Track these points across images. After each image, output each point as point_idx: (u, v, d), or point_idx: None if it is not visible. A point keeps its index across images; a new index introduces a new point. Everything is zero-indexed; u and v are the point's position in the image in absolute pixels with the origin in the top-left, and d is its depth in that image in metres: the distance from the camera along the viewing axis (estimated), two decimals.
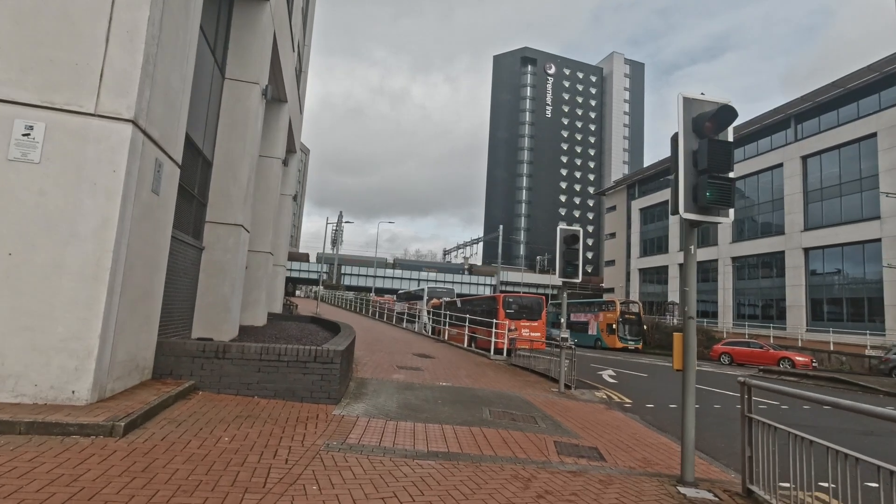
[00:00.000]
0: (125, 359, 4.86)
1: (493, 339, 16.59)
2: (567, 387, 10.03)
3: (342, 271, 79.93)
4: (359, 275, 77.93)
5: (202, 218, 9.80)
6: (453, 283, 69.03)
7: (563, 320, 9.67)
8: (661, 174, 52.15)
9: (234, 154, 10.20)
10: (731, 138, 4.26)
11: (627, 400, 10.10)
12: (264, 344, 5.86)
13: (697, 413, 9.31)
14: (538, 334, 21.90)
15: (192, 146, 8.73)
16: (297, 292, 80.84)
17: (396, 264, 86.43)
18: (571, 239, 9.43)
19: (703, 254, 43.67)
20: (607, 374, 15.17)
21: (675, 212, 4.23)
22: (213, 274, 9.84)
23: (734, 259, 40.37)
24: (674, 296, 46.51)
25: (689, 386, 4.20)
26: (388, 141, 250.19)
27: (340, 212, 72.26)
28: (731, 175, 4.15)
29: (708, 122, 4.13)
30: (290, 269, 74.87)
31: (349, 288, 73.01)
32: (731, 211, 4.25)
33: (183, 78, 5.65)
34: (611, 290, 60.46)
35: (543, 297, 23.08)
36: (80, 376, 4.21)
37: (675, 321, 41.82)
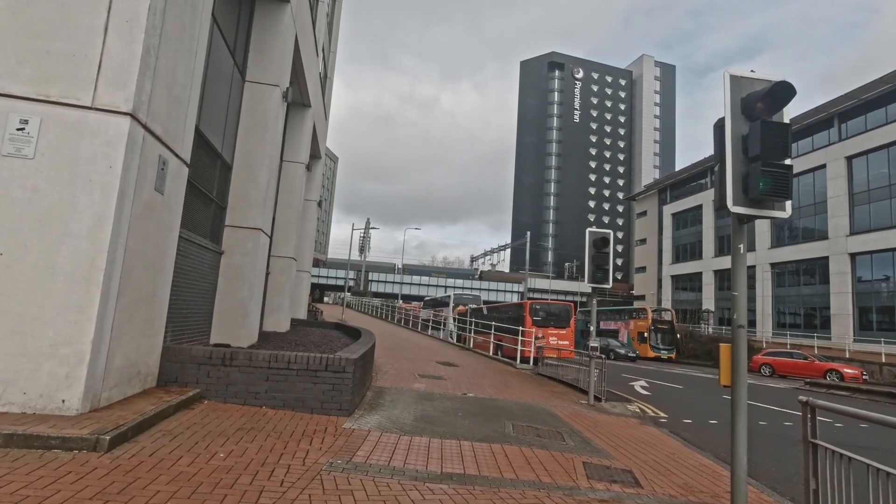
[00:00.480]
0: (123, 365, 4.60)
1: (518, 348, 16.05)
2: (597, 399, 9.44)
3: (369, 278, 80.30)
4: (386, 281, 78.16)
5: (221, 221, 9.65)
6: (479, 290, 68.36)
7: (592, 328, 9.11)
8: (695, 178, 50.55)
9: (254, 156, 10.04)
10: (787, 120, 3.73)
11: (662, 414, 9.43)
12: (273, 351, 5.55)
13: None
14: (566, 342, 21.20)
15: (210, 148, 8.59)
16: (326, 299, 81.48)
17: (405, 270, 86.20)
18: (601, 242, 8.89)
19: None
20: (639, 386, 14.42)
21: (722, 206, 3.71)
22: (231, 278, 9.66)
23: (773, 265, 38.61)
24: (708, 303, 44.84)
25: (739, 404, 3.66)
26: (418, 148, 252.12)
27: (367, 219, 72.61)
28: (788, 162, 3.60)
29: (760, 101, 3.61)
30: (318, 276, 75.63)
31: (376, 294, 73.21)
32: (788, 204, 3.70)
33: (190, 72, 5.42)
34: (641, 298, 58.82)
35: (572, 305, 22.37)
36: (71, 384, 3.95)
37: (710, 330, 40.24)
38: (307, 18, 13.37)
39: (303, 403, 5.44)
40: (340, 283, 79.36)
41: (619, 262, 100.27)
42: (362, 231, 79.51)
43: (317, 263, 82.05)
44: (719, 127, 3.96)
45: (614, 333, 36.07)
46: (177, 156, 5.37)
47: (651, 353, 32.70)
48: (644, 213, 61.60)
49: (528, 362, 16.13)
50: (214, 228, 9.25)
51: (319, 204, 22.96)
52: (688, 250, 49.96)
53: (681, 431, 7.89)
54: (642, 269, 61.18)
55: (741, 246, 3.76)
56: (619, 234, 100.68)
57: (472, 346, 21.02)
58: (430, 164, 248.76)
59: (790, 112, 3.82)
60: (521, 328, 17.45)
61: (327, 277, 74.57)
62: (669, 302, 50.35)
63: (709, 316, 41.94)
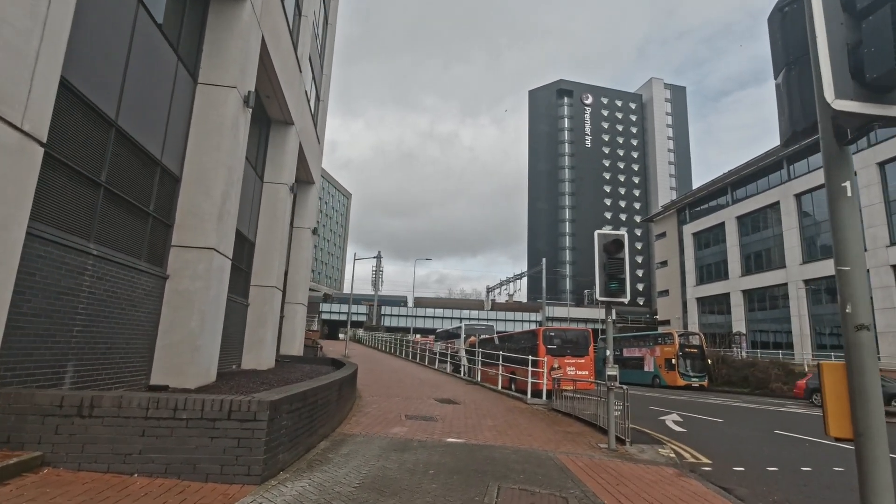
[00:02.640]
0: None
1: (528, 379, 14.21)
2: (620, 441, 7.60)
3: (382, 312, 78.69)
4: (398, 315, 76.52)
5: (165, 241, 8.28)
6: (495, 320, 66.11)
7: (608, 353, 7.37)
8: (714, 195, 48.50)
9: (207, 166, 8.74)
10: None
11: (705, 459, 7.50)
12: (155, 395, 3.98)
13: (813, 480, 6.62)
14: (585, 372, 19.17)
15: (145, 154, 7.30)
16: (340, 335, 79.82)
17: (418, 303, 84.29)
18: (614, 246, 7.26)
19: (769, 278, 39.47)
20: (672, 420, 12.39)
21: (805, 120, 2.14)
22: (178, 306, 8.21)
23: (807, 282, 36.03)
24: (739, 325, 42.05)
25: (878, 476, 1.96)
26: (438, 183, 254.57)
27: (378, 252, 71.61)
28: None
29: None
30: (331, 311, 74.34)
31: (389, 329, 71.41)
32: None
33: (34, 15, 4.07)
34: (666, 323, 55.95)
35: (590, 331, 20.41)
36: None
37: (744, 354, 37.43)
38: (281, 26, 12.34)
39: (194, 468, 3.84)
40: (357, 318, 77.87)
41: (640, 286, 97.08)
42: (374, 266, 78.46)
43: (325, 298, 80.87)
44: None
45: (639, 361, 33.61)
46: (12, 126, 3.96)
47: (681, 382, 30.13)
48: (663, 235, 59.38)
49: (541, 396, 14.24)
50: (154, 248, 7.87)
51: (315, 232, 21.71)
52: (712, 271, 47.46)
53: (733, 485, 6.01)
54: (665, 293, 58.50)
55: (847, 184, 2.11)
56: (639, 259, 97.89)
57: (480, 379, 19.11)
58: (450, 199, 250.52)
59: None
60: (532, 358, 15.60)
61: (339, 313, 73.17)
62: (696, 326, 47.58)
63: (741, 339, 39.13)
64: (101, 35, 6.07)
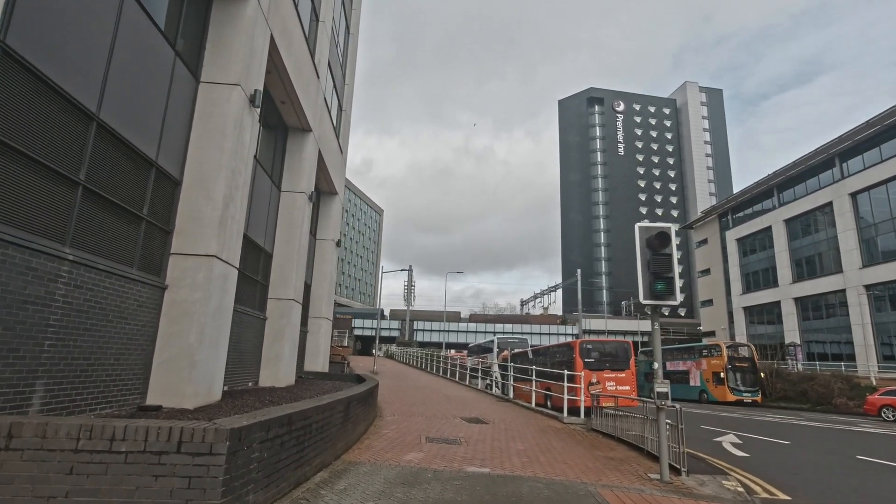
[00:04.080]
0: None
1: (564, 396, 13.05)
2: (674, 470, 6.44)
3: (415, 327, 78.02)
4: (431, 330, 75.72)
5: (163, 248, 7.69)
6: (529, 333, 64.36)
7: (656, 366, 6.26)
8: (759, 198, 45.95)
9: (208, 168, 8.17)
10: None
11: (782, 496, 6.20)
12: (88, 422, 3.19)
13: None
14: (627, 388, 17.79)
15: (136, 154, 6.74)
16: (375, 352, 79.70)
17: (449, 318, 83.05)
18: (658, 240, 6.20)
19: (824, 284, 36.76)
20: (729, 443, 10.97)
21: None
22: (175, 319, 7.58)
23: (868, 287, 33.27)
24: (792, 336, 39.25)
25: None
26: (474, 198, 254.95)
27: (409, 266, 71.13)
28: None
29: None
30: (363, 327, 74.17)
31: (422, 344, 70.56)
32: None
33: None
34: (711, 334, 53.09)
35: (630, 343, 19.01)
36: None
37: (800, 366, 34.76)
38: (292, 26, 11.86)
39: None
40: (390, 333, 77.50)
41: (682, 297, 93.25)
42: (405, 280, 78.05)
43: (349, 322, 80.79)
44: None
45: (683, 375, 31.57)
46: None
47: (731, 397, 28.01)
48: (704, 242, 56.72)
49: (579, 413, 13.04)
50: (149, 256, 7.27)
51: (338, 244, 21.19)
52: (760, 278, 44.74)
53: None
54: (709, 303, 55.65)
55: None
56: (679, 268, 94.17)
57: (513, 395, 17.96)
58: (485, 213, 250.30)
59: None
60: (569, 372, 14.42)
61: (371, 328, 72.87)
62: (744, 337, 44.81)
63: (795, 350, 36.41)
64: (73, 18, 5.51)
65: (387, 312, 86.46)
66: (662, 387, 6.12)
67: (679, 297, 6.20)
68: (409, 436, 8.28)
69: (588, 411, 12.82)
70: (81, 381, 5.87)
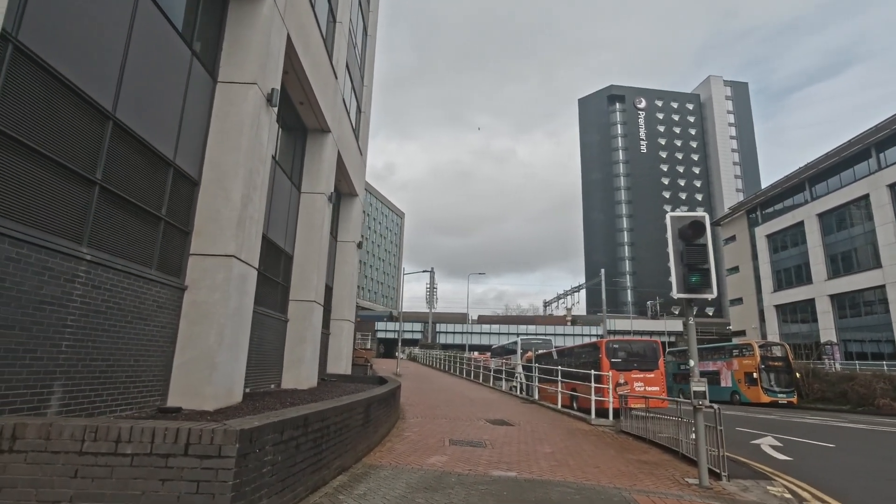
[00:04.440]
0: None
1: (592, 397, 12.66)
2: (714, 474, 6.06)
3: (437, 329, 77.90)
4: (453, 332, 75.52)
5: (183, 249, 7.65)
6: (553, 334, 63.56)
7: (692, 363, 5.89)
8: (789, 193, 44.47)
9: (226, 167, 8.11)
10: None
11: (834, 502, 5.79)
12: (94, 423, 3.04)
13: None
14: (656, 388, 17.25)
15: (153, 153, 6.70)
16: (399, 354, 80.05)
17: (472, 319, 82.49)
18: (692, 230, 5.85)
19: (862, 280, 35.32)
20: (769, 445, 10.44)
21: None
22: (195, 320, 7.52)
23: None
24: (828, 334, 37.79)
25: None
26: (495, 200, 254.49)
27: (432, 268, 71.14)
28: None
29: None
30: (386, 330, 74.38)
31: (445, 346, 70.38)
32: None
33: None
34: (741, 333, 51.55)
35: (659, 342, 18.46)
36: None
37: (837, 366, 33.40)
38: (309, 26, 11.81)
39: None
40: (413, 336, 77.59)
41: (710, 296, 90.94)
42: (428, 283, 78.03)
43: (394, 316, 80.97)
44: None
45: (714, 376, 30.62)
46: None
47: (765, 398, 27.01)
48: (732, 239, 55.19)
49: (607, 415, 12.63)
50: (167, 256, 7.23)
51: (359, 245, 21.14)
52: (792, 275, 43.26)
53: None
54: (738, 301, 54.08)
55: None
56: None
57: (538, 397, 17.58)
58: (507, 215, 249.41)
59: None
60: (596, 373, 14.01)
61: (394, 331, 72.98)
62: (777, 336, 43.36)
63: (833, 349, 35.02)
64: (86, 16, 5.46)
65: (409, 315, 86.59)
66: (699, 385, 5.76)
67: (715, 290, 5.84)
68: (431, 438, 8.06)
69: (616, 413, 12.41)
70: (101, 383, 5.81)
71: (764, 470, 7.22)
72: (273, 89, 9.18)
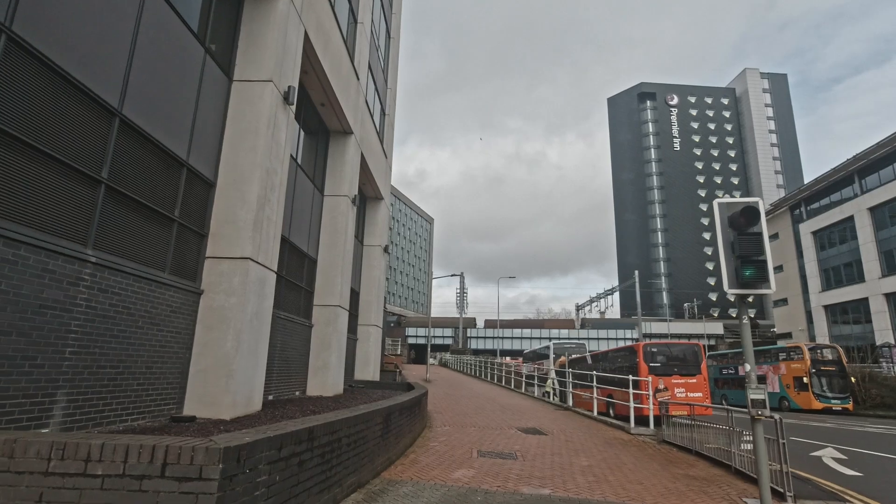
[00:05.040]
0: None
1: (631, 404, 11.91)
2: (777, 494, 5.35)
3: (468, 334, 77.23)
4: (485, 337, 74.72)
5: (199, 253, 7.42)
6: (586, 339, 62.05)
7: (748, 368, 5.20)
8: (836, 187, 42.15)
9: (242, 168, 7.87)
10: None
11: None
12: (62, 439, 2.67)
13: None
14: (699, 394, 16.27)
15: (164, 153, 6.48)
16: (429, 359, 79.65)
17: (502, 324, 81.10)
18: (745, 217, 5.19)
19: None
20: (831, 458, 9.50)
21: None
22: (211, 326, 7.27)
23: None
24: (884, 336, 35.45)
25: None
26: (527, 204, 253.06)
27: (461, 273, 70.48)
28: None
29: None
30: (416, 336, 74.22)
31: (476, 351, 69.65)
32: None
33: None
34: (786, 336, 49.11)
35: (701, 345, 17.46)
36: None
37: None
38: (328, 24, 11.57)
39: None
40: (444, 341, 77.18)
41: (750, 297, 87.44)
42: (458, 288, 77.50)
43: (399, 322, 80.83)
44: None
45: (760, 380, 29.03)
46: None
47: (817, 405, 25.35)
48: (775, 237, 52.73)
49: (646, 423, 11.86)
50: (182, 260, 7.00)
51: (386, 250, 20.86)
52: (842, 273, 40.91)
53: None
54: (782, 302, 51.58)
55: None
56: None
57: (572, 403, 16.84)
58: (539, 219, 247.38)
59: None
60: (634, 378, 13.23)
61: (425, 337, 72.69)
62: (826, 338, 41.04)
63: (891, 352, 32.78)
64: (87, 8, 5.24)
65: (439, 321, 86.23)
66: (758, 392, 5.08)
67: (773, 284, 5.17)
68: (459, 449, 7.56)
69: (657, 421, 11.63)
70: (109, 391, 5.56)
71: (833, 488, 6.42)
72: (290, 87, 8.93)
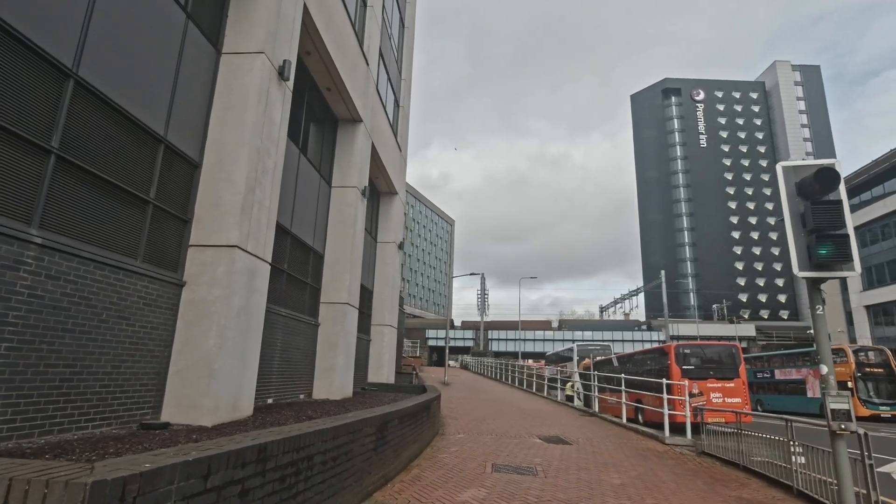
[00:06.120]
0: None
1: (665, 411, 10.80)
2: None
3: (489, 336, 76.08)
4: (506, 339, 73.47)
5: (180, 240, 6.68)
6: (611, 341, 60.29)
7: (824, 370, 4.16)
8: (878, 179, 39.84)
9: (229, 146, 7.13)
10: None
11: None
12: None
13: None
14: (737, 399, 15.02)
15: (135, 125, 5.74)
16: (451, 362, 78.62)
17: (525, 326, 79.55)
18: (820, 183, 4.17)
19: None
20: None
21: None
22: (192, 321, 6.51)
23: None
24: None
25: None
26: (550, 205, 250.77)
27: (482, 273, 69.41)
28: None
29: None
30: (437, 338, 73.40)
31: (497, 354, 68.46)
32: None
33: None
34: None
35: (739, 346, 16.17)
36: None
37: None
38: (333, 1, 10.82)
39: None
40: (465, 343, 76.21)
41: (783, 297, 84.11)
42: (478, 289, 76.44)
43: (412, 324, 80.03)
44: None
45: (797, 385, 27.30)
46: None
47: (864, 411, 23.56)
48: None
49: (682, 432, 10.74)
50: (158, 246, 6.25)
51: (401, 247, 20.06)
52: (886, 271, 38.59)
53: None
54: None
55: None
56: (777, 266, 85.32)
57: (598, 409, 15.72)
58: (562, 220, 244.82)
59: None
60: (667, 382, 12.11)
61: (440, 339, 71.81)
62: (869, 340, 38.74)
63: None
64: None
65: (458, 323, 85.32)
66: (839, 402, 4.04)
67: (858, 265, 4.13)
68: (471, 462, 6.63)
69: (695, 428, 10.50)
70: (62, 393, 4.81)
71: None
72: (286, 61, 8.16)
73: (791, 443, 6.01)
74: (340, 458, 3.85)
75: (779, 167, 4.42)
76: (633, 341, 66.32)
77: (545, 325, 78.51)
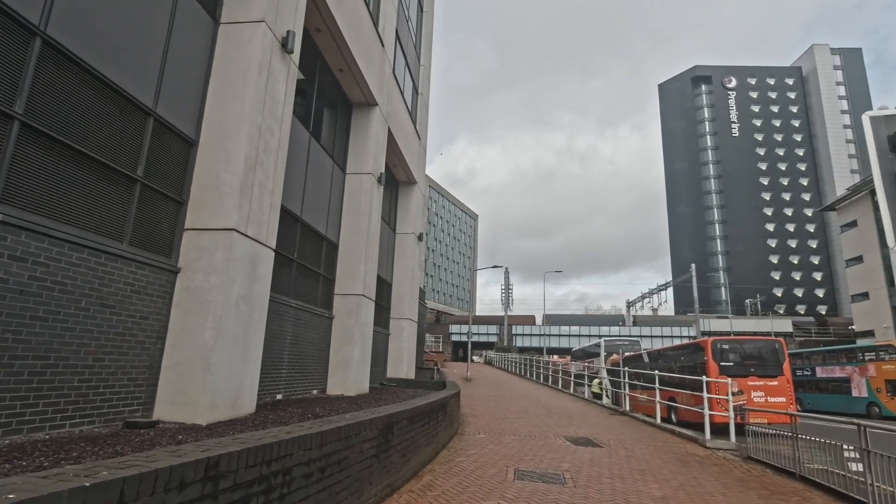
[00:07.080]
0: None
1: (706, 411, 9.92)
2: None
3: (513, 332, 75.09)
4: (531, 335, 72.40)
5: (174, 223, 6.17)
6: (639, 336, 58.67)
7: None
8: None
9: (228, 123, 6.58)
10: None
11: None
12: None
13: None
14: (781, 399, 13.96)
15: (118, 94, 5.22)
16: (476, 357, 77.88)
17: (550, 321, 77.84)
18: None
19: None
20: None
21: None
22: (188, 310, 5.99)
23: None
24: None
25: None
26: (578, 200, 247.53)
27: (506, 268, 68.34)
28: None
29: None
30: (460, 333, 72.79)
31: (521, 349, 67.46)
32: None
33: None
34: (868, 334, 44.25)
35: (782, 341, 15.05)
36: None
37: None
38: None
39: None
40: (489, 339, 75.47)
41: (820, 292, 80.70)
42: (502, 284, 75.51)
43: (438, 318, 79.43)
44: None
45: (841, 384, 25.75)
46: None
47: None
48: (852, 224, 47.75)
49: (723, 433, 9.84)
50: (149, 229, 5.74)
51: (420, 238, 19.44)
52: None
53: None
54: (862, 297, 46.62)
55: None
56: (814, 259, 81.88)
57: (628, 408, 14.83)
58: (590, 215, 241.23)
59: None
60: (706, 379, 11.18)
61: (463, 334, 71.17)
62: None
63: None
64: None
65: (483, 318, 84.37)
66: None
67: None
68: (490, 467, 5.96)
69: (739, 430, 9.59)
70: (33, 388, 4.32)
71: None
72: (290, 31, 7.58)
73: (867, 450, 5.14)
74: (330, 468, 3.22)
75: (865, 118, 3.64)
76: (661, 337, 64.40)
77: (530, 321, 77.00)
